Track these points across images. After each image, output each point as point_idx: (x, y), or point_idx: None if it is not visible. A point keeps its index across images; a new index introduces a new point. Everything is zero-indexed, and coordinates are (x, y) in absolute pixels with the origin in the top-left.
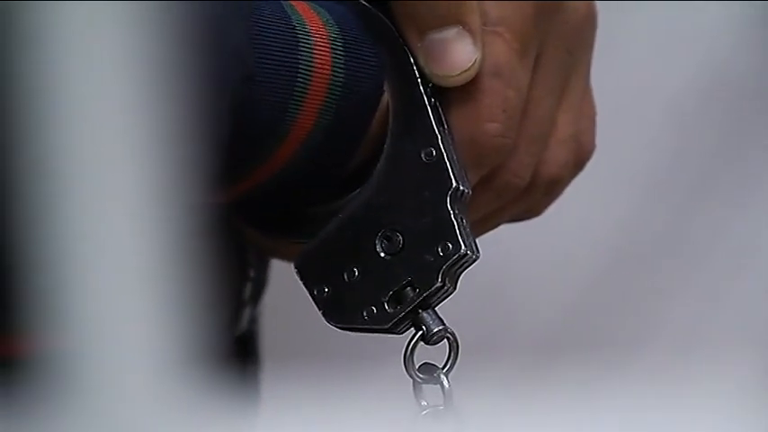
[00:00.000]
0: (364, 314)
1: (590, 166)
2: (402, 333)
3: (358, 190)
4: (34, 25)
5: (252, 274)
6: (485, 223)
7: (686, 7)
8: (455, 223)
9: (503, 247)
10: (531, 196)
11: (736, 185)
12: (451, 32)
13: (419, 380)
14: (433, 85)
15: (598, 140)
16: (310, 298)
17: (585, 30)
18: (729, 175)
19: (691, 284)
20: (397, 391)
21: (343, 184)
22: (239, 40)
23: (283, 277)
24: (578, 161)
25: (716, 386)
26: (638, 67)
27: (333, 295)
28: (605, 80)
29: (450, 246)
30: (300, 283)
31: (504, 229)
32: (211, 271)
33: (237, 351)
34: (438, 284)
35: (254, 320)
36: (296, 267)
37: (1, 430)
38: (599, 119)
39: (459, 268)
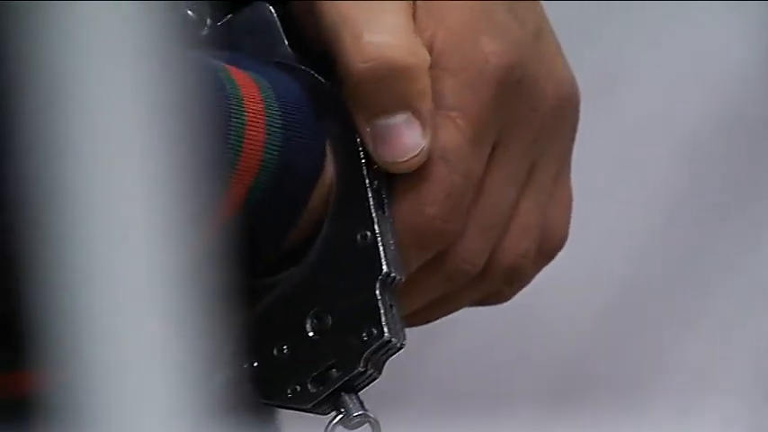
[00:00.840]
0: (288, 392)
1: (604, 199)
2: (324, 414)
3: (296, 266)
4: (44, 28)
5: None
6: (439, 308)
7: (702, 39)
8: (382, 310)
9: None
10: (487, 283)
11: (751, 219)
12: (401, 118)
13: None
14: (379, 167)
15: (613, 172)
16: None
17: (558, 118)
18: (744, 208)
19: (703, 319)
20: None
21: (285, 257)
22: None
23: None
24: (544, 251)
25: (732, 426)
26: (652, 99)
27: (261, 370)
28: (621, 111)
29: (375, 331)
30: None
31: None
32: (223, 310)
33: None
34: (360, 369)
35: None
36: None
37: None
38: (614, 150)
39: (383, 354)
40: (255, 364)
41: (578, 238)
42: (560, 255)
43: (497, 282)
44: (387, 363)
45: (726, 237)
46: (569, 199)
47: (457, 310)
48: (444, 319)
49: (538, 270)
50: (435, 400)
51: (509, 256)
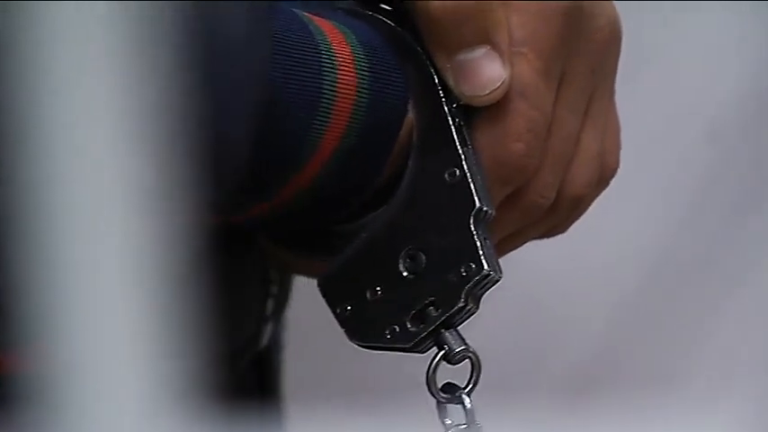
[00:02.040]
0: (387, 333)
1: (632, 181)
2: (424, 352)
3: (381, 209)
4: (27, 30)
5: (274, 290)
6: (510, 242)
7: (727, 26)
8: (478, 244)
9: (544, 265)
10: (555, 215)
11: None
12: (480, 52)
13: (442, 399)
14: (458, 104)
15: (636, 160)
16: (333, 316)
17: (610, 49)
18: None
19: (726, 310)
20: (420, 414)
21: (367, 202)
22: (261, 63)
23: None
24: (602, 179)
25: (752, 418)
26: (677, 87)
27: (355, 314)
28: (645, 98)
29: (473, 266)
30: (323, 300)
31: (537, 259)
32: (217, 287)
33: (257, 368)
34: (461, 304)
35: (275, 338)
36: (319, 285)
37: None
38: (638, 139)
39: (481, 288)
40: (349, 309)
41: (604, 223)
42: (585, 240)
43: (564, 213)
44: (402, 355)
45: (752, 224)
46: (618, 127)
47: (524, 243)
48: None
49: (594, 199)
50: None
51: (576, 186)
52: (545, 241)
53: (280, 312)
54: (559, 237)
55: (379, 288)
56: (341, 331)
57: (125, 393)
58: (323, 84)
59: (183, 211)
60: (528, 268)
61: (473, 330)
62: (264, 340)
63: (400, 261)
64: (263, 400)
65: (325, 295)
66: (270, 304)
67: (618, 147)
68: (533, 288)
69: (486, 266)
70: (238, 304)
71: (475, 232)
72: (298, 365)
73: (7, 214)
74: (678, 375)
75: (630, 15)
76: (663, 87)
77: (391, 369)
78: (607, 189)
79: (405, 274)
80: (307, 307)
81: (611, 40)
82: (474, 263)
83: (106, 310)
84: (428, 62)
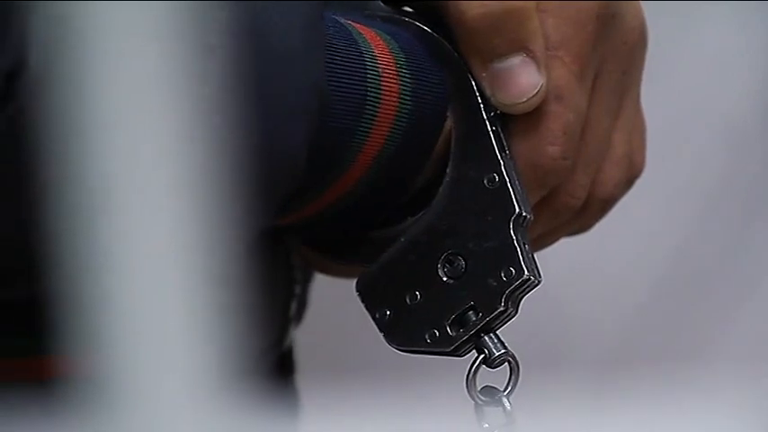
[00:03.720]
0: (426, 337)
1: (649, 182)
2: (464, 356)
3: (420, 214)
4: (85, 34)
5: (297, 291)
6: (540, 242)
7: (741, 27)
8: (518, 248)
9: (562, 265)
10: (585, 215)
11: None
12: (516, 60)
13: (481, 402)
14: (496, 111)
15: (652, 160)
16: (372, 321)
17: (639, 50)
18: None
19: (746, 301)
20: (432, 390)
21: (403, 208)
22: (318, 68)
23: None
24: (630, 179)
25: None
26: (692, 88)
27: (395, 318)
28: (660, 100)
29: (514, 271)
30: (362, 305)
31: (563, 247)
32: (256, 287)
33: (280, 367)
34: (501, 309)
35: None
36: (357, 290)
37: None
38: (654, 139)
39: (521, 293)
40: (388, 313)
41: (633, 209)
42: (604, 238)
43: (594, 213)
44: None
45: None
46: (644, 127)
47: (553, 243)
48: None
49: (620, 198)
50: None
51: (606, 187)
52: (564, 240)
53: (301, 314)
54: (578, 236)
55: (418, 292)
56: (351, 309)
57: (174, 381)
58: (368, 90)
59: (235, 213)
60: (558, 256)
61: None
62: (288, 341)
63: (439, 266)
64: (285, 399)
65: (363, 300)
66: (294, 305)
67: (644, 147)
68: (554, 282)
69: (526, 271)
70: (269, 304)
71: (515, 237)
72: (308, 340)
73: (57, 212)
74: (703, 354)
75: (646, 16)
76: (678, 87)
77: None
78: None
79: (444, 278)
80: (317, 282)
81: (641, 41)
82: (514, 268)
83: (158, 301)
84: (466, 69)
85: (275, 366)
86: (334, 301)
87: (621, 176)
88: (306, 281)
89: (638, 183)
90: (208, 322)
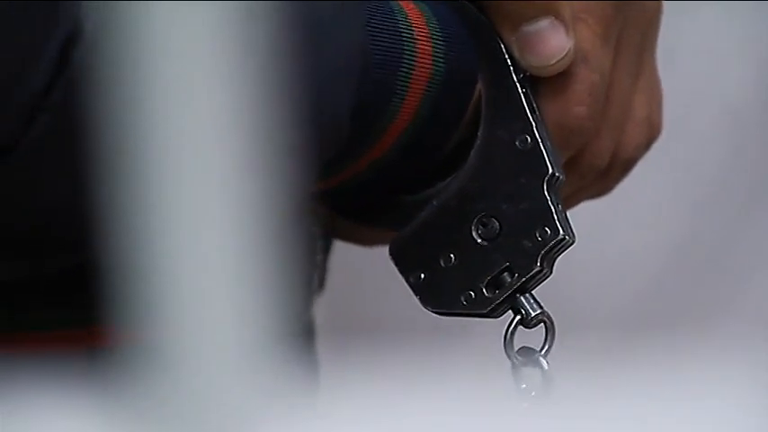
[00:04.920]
0: (462, 299)
1: (675, 145)
2: (500, 317)
3: (451, 177)
4: (136, 29)
5: (319, 260)
6: (566, 203)
7: (744, 13)
8: (553, 209)
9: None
10: (608, 177)
11: None
12: (545, 23)
13: (518, 362)
14: (525, 74)
15: (657, 144)
16: (406, 284)
17: (657, 13)
18: None
19: (749, 281)
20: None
21: (432, 173)
22: (359, 33)
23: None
24: (649, 141)
25: None
26: (691, 75)
27: (429, 281)
28: (665, 86)
29: (549, 231)
30: (396, 269)
31: (579, 212)
32: (295, 257)
33: (305, 336)
34: (537, 269)
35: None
36: (390, 254)
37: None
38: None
39: (556, 252)
40: (423, 276)
41: (637, 189)
42: (610, 221)
43: (616, 175)
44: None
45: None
46: (661, 90)
47: (577, 204)
48: None
49: (639, 160)
50: (496, 328)
51: (628, 149)
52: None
53: (323, 283)
54: (588, 210)
55: (452, 255)
56: (362, 268)
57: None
58: (403, 53)
59: (284, 176)
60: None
61: None
62: (311, 311)
63: (473, 228)
64: (309, 366)
65: (397, 264)
66: (317, 275)
67: (661, 109)
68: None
69: (561, 231)
70: (298, 271)
71: (549, 198)
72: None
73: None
74: (720, 315)
75: None
76: (678, 75)
77: (413, 307)
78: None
79: (478, 240)
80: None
81: (658, 5)
82: (549, 228)
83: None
84: (495, 34)
85: (301, 334)
86: (351, 264)
87: (642, 138)
88: (326, 250)
89: (642, 166)
90: (256, 288)
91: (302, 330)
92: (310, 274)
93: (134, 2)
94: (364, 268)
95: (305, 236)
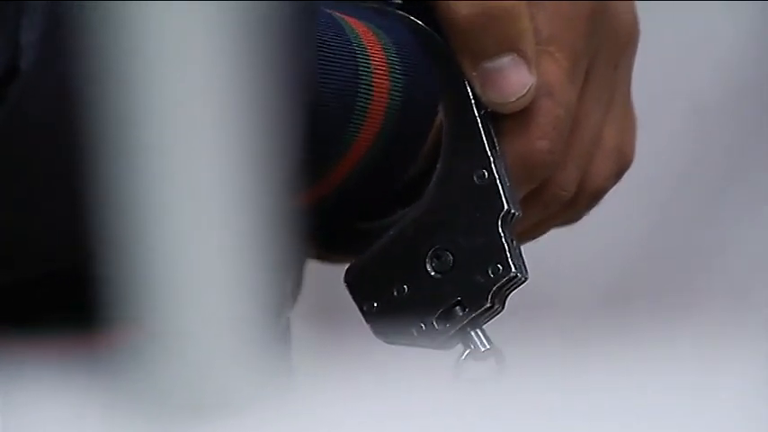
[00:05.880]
0: (413, 331)
1: (642, 139)
2: (450, 349)
3: (408, 208)
4: (129, 29)
5: (294, 271)
6: (529, 233)
7: (708, 9)
8: (506, 246)
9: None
10: (574, 207)
11: (759, 183)
12: (506, 60)
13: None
14: (486, 109)
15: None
16: (360, 312)
17: (631, 44)
18: (752, 172)
19: (715, 268)
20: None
21: (392, 201)
22: (308, 65)
23: None
24: (619, 171)
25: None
26: (660, 70)
27: (382, 311)
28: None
29: (501, 268)
30: (350, 296)
31: None
32: (282, 251)
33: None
34: (487, 305)
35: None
36: (346, 282)
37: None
38: None
39: (507, 290)
40: (375, 305)
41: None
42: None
43: (583, 205)
44: None
45: (737, 195)
46: (635, 119)
47: (542, 234)
48: None
49: (609, 190)
50: None
51: (596, 180)
52: None
53: (296, 295)
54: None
55: (405, 285)
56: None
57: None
58: (359, 86)
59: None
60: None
61: None
62: (285, 318)
63: (427, 260)
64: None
65: (351, 291)
66: (290, 283)
67: (634, 139)
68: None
69: (513, 269)
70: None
71: (502, 234)
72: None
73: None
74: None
75: None
76: (646, 70)
77: None
78: None
79: (432, 272)
80: None
81: (633, 36)
82: (501, 265)
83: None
84: (457, 65)
85: (280, 336)
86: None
87: (611, 169)
88: (301, 262)
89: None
90: (248, 277)
91: (280, 332)
92: (284, 280)
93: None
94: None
95: (288, 235)
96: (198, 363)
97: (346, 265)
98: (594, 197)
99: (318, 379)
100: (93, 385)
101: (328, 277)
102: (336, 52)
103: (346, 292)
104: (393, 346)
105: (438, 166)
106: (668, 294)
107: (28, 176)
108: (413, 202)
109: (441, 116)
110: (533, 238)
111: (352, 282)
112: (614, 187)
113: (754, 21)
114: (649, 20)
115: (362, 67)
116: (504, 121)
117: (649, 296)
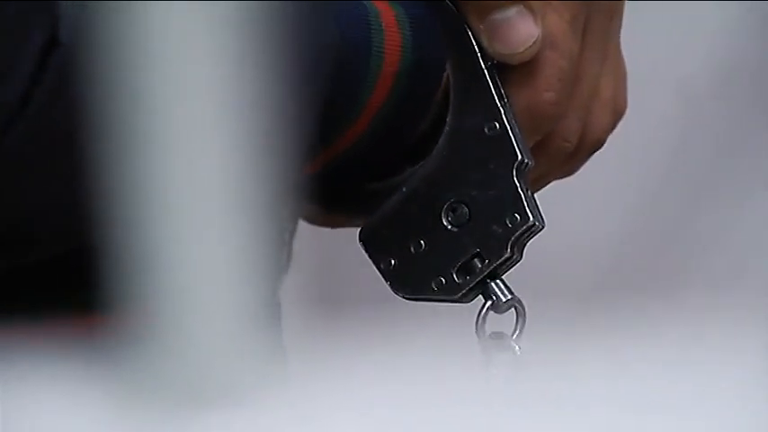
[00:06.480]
0: (433, 285)
1: (629, 127)
2: (470, 302)
3: (420, 164)
4: (132, 26)
5: (287, 240)
6: (533, 186)
7: None
8: (522, 195)
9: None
10: (575, 159)
11: (747, 169)
12: (513, 11)
13: (490, 346)
14: (493, 61)
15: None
16: (376, 270)
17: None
18: (740, 158)
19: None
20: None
21: (399, 160)
22: (330, 32)
23: None
24: (615, 121)
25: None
26: (646, 52)
27: (400, 267)
28: None
29: (519, 217)
30: (366, 255)
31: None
32: (272, 235)
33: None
34: (507, 255)
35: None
36: (361, 241)
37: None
38: None
39: (526, 238)
40: (393, 263)
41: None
42: (576, 188)
43: (583, 156)
44: None
45: (725, 183)
46: (625, 70)
47: (545, 186)
48: None
49: (606, 140)
50: (466, 309)
51: (596, 131)
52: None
53: (288, 263)
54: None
55: (422, 241)
56: (332, 243)
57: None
58: (372, 45)
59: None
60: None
61: None
62: (278, 292)
63: (443, 214)
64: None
65: (367, 250)
66: (285, 254)
67: (626, 89)
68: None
69: (531, 217)
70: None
71: (518, 184)
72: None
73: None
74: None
75: None
76: (632, 52)
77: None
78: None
79: (448, 226)
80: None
81: None
82: (519, 214)
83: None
84: (462, 20)
85: (270, 315)
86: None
87: (609, 118)
88: (292, 231)
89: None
90: (243, 262)
91: (270, 311)
92: (279, 255)
93: (127, 2)
94: (334, 243)
95: (277, 216)
96: (196, 351)
97: (346, 251)
98: (593, 147)
99: (315, 367)
100: (91, 373)
101: (325, 264)
102: (352, 13)
103: (342, 280)
104: (389, 335)
105: (448, 121)
106: (658, 280)
107: (55, 150)
108: (420, 160)
109: (448, 72)
110: (536, 191)
111: (367, 241)
112: (605, 174)
113: (741, 7)
114: (637, 7)
115: (374, 25)
116: (510, 74)
117: (639, 283)
